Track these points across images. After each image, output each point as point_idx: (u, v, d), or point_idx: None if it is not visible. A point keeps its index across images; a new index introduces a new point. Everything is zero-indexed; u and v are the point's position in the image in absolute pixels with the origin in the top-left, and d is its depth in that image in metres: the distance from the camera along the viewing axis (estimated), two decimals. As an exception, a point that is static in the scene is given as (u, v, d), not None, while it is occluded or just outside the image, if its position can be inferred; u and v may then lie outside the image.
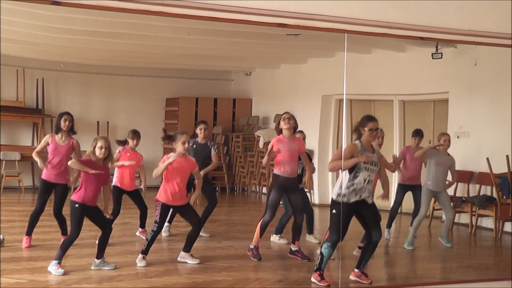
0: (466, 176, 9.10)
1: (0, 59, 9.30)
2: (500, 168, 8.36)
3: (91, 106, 12.72)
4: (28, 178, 11.33)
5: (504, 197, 8.40)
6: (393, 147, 9.93)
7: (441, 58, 9.19)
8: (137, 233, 8.00)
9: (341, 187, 5.78)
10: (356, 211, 5.85)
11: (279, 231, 7.90)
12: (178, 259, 6.66)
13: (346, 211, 5.74)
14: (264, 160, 6.86)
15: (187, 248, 6.69)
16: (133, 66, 12.60)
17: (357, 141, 5.83)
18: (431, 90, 9.79)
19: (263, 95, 13.49)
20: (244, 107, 13.96)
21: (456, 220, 8.93)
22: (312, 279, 5.92)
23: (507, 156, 8.20)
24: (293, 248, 7.03)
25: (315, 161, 8.03)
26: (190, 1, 4.82)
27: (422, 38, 5.77)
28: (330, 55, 11.05)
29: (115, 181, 7.63)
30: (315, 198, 10.70)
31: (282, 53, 11.50)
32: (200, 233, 7.90)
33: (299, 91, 12.19)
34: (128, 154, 7.59)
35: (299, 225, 6.99)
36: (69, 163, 6.12)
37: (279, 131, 6.91)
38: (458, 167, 8.03)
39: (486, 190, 8.89)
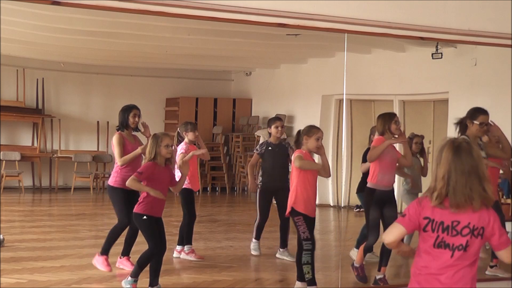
0: (466, 176, 9.07)
1: (0, 59, 9.30)
2: (500, 168, 8.34)
3: (91, 106, 12.74)
4: (28, 178, 11.35)
5: (504, 197, 8.40)
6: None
7: (441, 58, 9.17)
8: (182, 255, 6.71)
9: None
10: None
11: (361, 243, 6.42)
12: None
13: None
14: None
15: (300, 275, 5.54)
16: (133, 66, 12.60)
17: (465, 136, 5.32)
18: (431, 90, 9.78)
19: (263, 95, 13.48)
20: (244, 107, 13.96)
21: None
22: None
23: (507, 156, 8.19)
24: (378, 276, 5.76)
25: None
26: (190, 1, 4.82)
27: (422, 38, 5.76)
28: (330, 55, 11.04)
29: (186, 183, 6.35)
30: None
31: (282, 53, 11.50)
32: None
33: (299, 91, 12.18)
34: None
35: None
36: (127, 183, 5.27)
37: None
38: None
39: (486, 190, 8.87)
